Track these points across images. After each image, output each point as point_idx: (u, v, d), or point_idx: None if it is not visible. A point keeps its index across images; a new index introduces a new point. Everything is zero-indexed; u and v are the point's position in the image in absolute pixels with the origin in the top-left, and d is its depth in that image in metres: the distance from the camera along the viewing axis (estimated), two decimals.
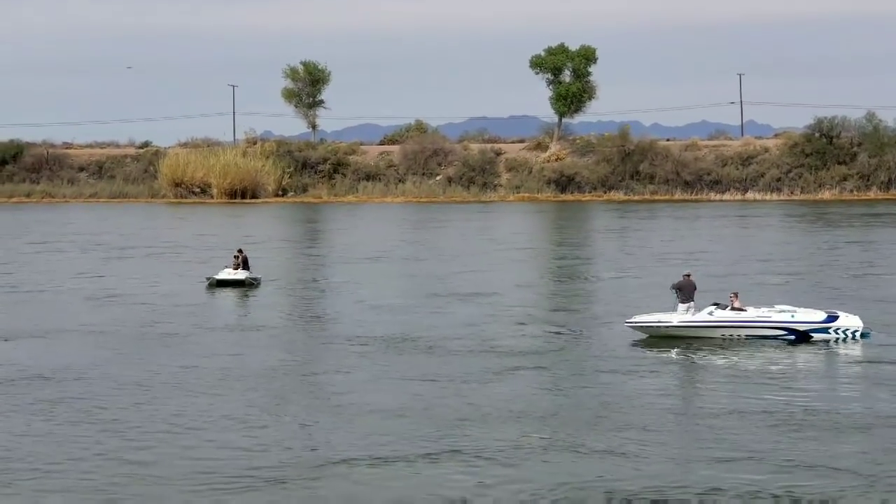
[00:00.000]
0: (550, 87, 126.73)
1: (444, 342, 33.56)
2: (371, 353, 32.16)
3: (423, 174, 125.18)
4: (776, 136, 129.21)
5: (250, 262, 49.41)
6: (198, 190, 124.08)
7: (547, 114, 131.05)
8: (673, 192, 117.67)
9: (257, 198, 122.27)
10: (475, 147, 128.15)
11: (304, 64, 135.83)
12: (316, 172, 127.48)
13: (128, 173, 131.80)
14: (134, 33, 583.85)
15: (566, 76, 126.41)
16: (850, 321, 33.20)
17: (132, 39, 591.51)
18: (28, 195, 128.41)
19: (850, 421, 23.78)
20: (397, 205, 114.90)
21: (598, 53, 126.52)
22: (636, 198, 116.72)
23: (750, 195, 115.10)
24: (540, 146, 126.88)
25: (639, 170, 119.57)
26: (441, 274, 52.34)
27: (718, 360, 30.88)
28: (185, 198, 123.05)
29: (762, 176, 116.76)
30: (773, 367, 29.84)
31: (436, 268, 55.33)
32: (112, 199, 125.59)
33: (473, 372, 29.06)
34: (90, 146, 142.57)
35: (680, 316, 33.62)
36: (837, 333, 32.96)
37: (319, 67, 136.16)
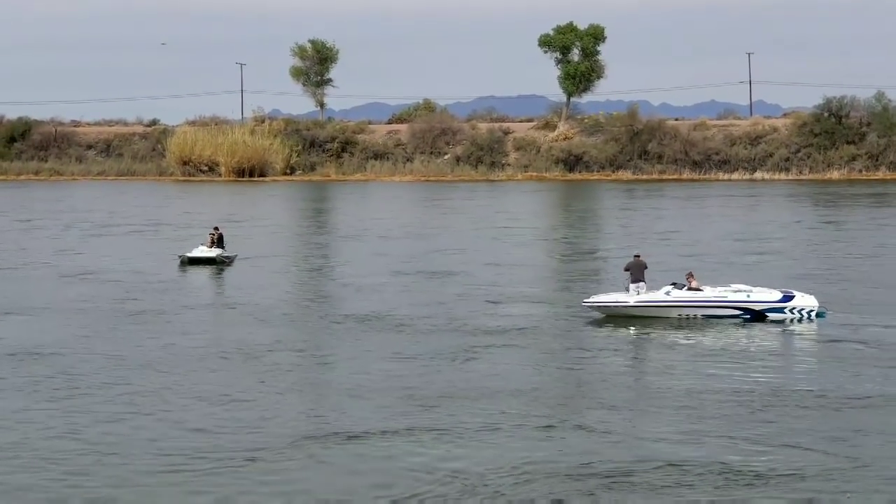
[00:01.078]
0: (559, 66, 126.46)
1: (413, 321, 33.53)
2: (340, 331, 32.16)
3: (432, 153, 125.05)
4: (785, 115, 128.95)
5: (227, 240, 49.40)
6: (206, 168, 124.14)
7: (555, 93, 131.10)
8: (681, 171, 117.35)
9: (265, 176, 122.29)
10: (483, 126, 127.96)
11: (313, 42, 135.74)
12: (324, 151, 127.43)
13: (136, 151, 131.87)
14: (142, 11, 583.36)
15: (575, 55, 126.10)
16: (805, 301, 33.34)
17: (140, 17, 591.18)
18: (36, 173, 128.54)
19: (810, 399, 23.82)
20: (405, 184, 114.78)
21: (606, 32, 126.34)
22: (644, 177, 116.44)
23: (758, 175, 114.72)
24: (548, 125, 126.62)
25: (647, 149, 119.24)
26: (420, 252, 52.19)
27: (675, 340, 30.91)
28: (194, 176, 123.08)
29: (771, 156, 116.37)
30: (731, 347, 29.84)
31: (417, 246, 55.19)
32: (120, 177, 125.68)
33: (441, 350, 29.07)
34: (98, 124, 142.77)
35: (635, 296, 33.73)
36: (793, 313, 33.12)
37: (328, 46, 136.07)
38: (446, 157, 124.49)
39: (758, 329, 32.20)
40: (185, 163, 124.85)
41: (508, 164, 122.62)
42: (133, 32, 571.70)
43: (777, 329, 32.18)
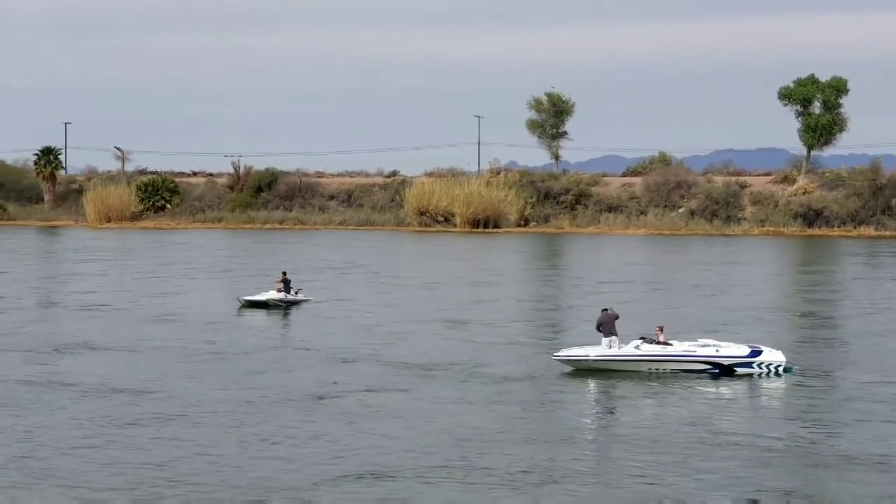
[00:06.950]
0: (799, 118, 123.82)
1: (468, 367, 34.79)
2: (379, 375, 33.65)
3: (666, 206, 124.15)
4: None
5: (295, 285, 53.23)
6: (441, 219, 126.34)
7: (795, 146, 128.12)
8: None
9: (499, 227, 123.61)
10: (719, 179, 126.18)
11: (549, 95, 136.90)
12: (558, 203, 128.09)
13: (375, 202, 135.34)
14: (385, 63, 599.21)
15: (816, 108, 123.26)
16: (773, 356, 33.74)
17: (379, 71, 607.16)
18: (281, 222, 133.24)
19: (769, 453, 24.21)
20: (638, 237, 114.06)
21: (849, 84, 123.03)
22: (888, 233, 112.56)
23: None
24: (787, 179, 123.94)
25: (891, 204, 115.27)
26: (550, 304, 53.18)
27: (644, 394, 31.11)
28: (430, 226, 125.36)
29: None
30: (699, 401, 30.17)
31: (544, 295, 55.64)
32: (360, 227, 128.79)
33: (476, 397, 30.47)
34: (340, 175, 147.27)
35: (604, 349, 33.85)
36: (761, 368, 33.44)
37: (563, 98, 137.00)
38: (681, 210, 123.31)
39: (727, 384, 32.44)
40: (421, 213, 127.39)
41: (744, 219, 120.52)
42: (376, 84, 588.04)
43: (745, 384, 32.53)
